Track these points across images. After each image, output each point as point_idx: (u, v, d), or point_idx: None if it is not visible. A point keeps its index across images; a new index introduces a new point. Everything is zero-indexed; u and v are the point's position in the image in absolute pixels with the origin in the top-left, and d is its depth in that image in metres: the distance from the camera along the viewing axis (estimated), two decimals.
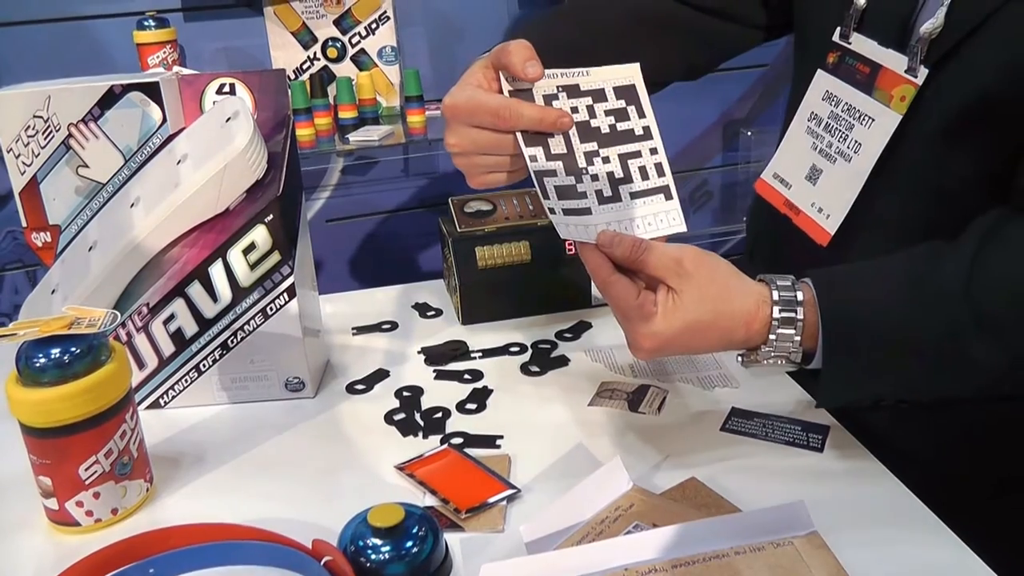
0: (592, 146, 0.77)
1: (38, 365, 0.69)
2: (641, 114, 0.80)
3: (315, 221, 2.19)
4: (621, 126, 0.79)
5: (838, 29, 0.85)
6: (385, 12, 2.05)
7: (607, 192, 0.76)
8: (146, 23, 1.90)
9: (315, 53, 2.06)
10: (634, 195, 0.77)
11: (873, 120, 0.80)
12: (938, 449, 0.83)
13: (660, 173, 0.78)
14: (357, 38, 2.06)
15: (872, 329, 0.71)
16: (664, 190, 0.78)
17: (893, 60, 0.79)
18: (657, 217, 0.77)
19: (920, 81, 0.76)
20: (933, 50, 0.75)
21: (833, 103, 0.86)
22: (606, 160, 0.77)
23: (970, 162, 0.76)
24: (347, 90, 2.00)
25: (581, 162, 0.76)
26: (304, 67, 2.06)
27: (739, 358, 0.75)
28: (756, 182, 0.95)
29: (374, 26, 2.06)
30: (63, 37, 1.95)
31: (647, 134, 0.79)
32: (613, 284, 0.71)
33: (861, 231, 0.82)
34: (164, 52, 1.91)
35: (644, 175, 0.78)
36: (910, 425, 0.83)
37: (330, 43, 2.06)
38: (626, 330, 0.73)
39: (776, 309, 0.71)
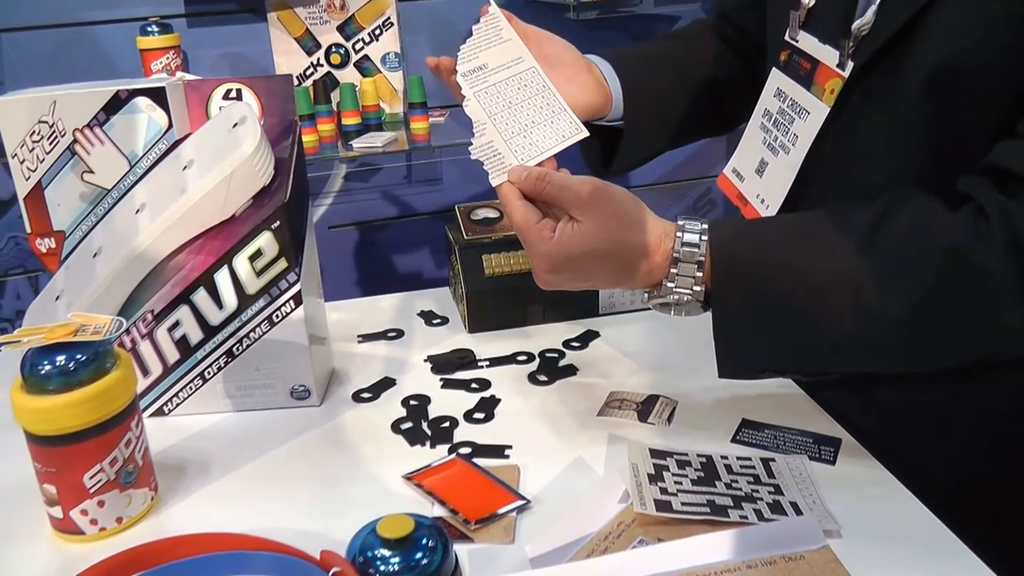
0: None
1: (43, 372, 0.68)
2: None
3: (317, 228, 2.19)
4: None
5: (788, 29, 0.87)
6: (389, 18, 2.04)
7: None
8: (149, 29, 1.90)
9: (318, 59, 2.06)
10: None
11: (809, 113, 0.82)
12: (950, 462, 0.82)
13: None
14: (361, 44, 2.06)
15: (764, 263, 0.72)
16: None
17: (829, 55, 0.80)
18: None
19: (847, 74, 0.77)
20: (864, 47, 0.76)
21: (781, 99, 0.88)
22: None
23: (892, 159, 0.76)
24: (350, 96, 2.00)
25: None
26: (307, 73, 2.06)
27: (645, 296, 0.77)
28: (718, 177, 0.98)
29: (378, 32, 2.06)
30: (67, 43, 1.95)
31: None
32: (516, 208, 0.75)
33: None
34: (167, 58, 1.91)
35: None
36: (921, 438, 0.83)
37: (333, 49, 2.05)
38: (528, 255, 0.76)
39: (678, 242, 0.73)
